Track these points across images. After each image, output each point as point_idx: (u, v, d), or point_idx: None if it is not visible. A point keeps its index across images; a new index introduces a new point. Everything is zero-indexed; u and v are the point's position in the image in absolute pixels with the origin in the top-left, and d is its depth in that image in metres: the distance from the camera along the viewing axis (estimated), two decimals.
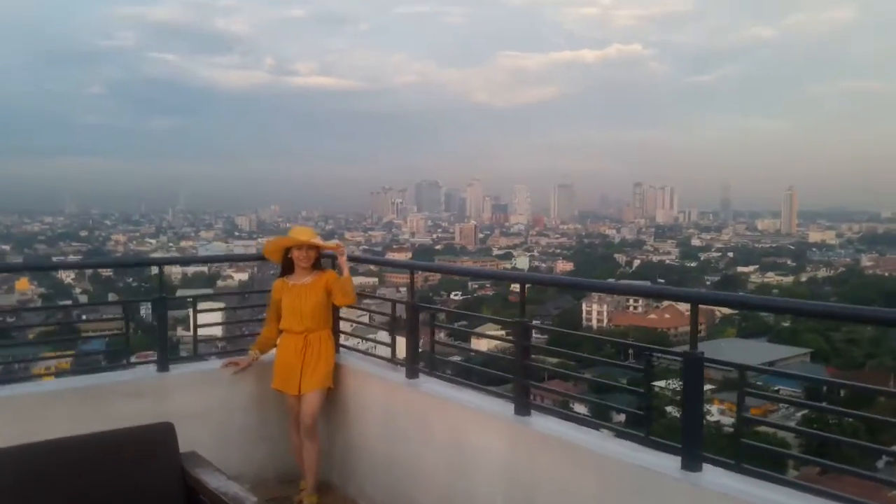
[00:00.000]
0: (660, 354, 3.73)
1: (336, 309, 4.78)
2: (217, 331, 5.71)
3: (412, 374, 4.48)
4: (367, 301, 5.95)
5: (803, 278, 65.83)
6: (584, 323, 55.59)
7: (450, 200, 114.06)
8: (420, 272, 5.38)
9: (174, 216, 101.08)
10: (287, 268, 4.58)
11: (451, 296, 59.32)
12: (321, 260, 4.63)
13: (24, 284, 56.88)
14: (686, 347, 2.95)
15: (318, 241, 4.53)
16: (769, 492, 2.74)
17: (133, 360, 4.70)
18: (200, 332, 5.02)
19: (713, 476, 2.92)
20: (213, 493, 2.85)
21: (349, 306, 4.76)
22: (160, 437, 3.09)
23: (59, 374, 5.01)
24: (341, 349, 5.08)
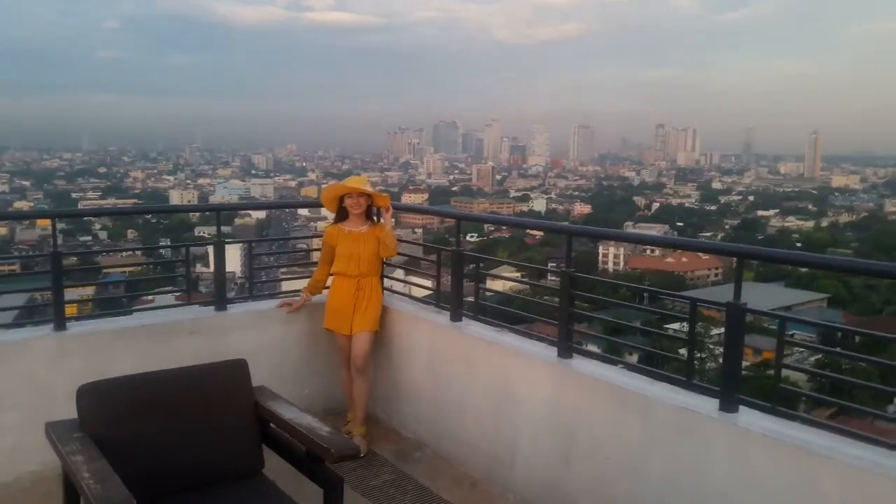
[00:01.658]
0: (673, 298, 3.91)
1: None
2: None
3: (456, 317, 4.71)
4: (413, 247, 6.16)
5: (824, 223, 65.36)
6: (601, 266, 55.76)
7: (467, 141, 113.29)
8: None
9: (191, 153, 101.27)
10: (340, 215, 4.80)
11: (468, 237, 59.47)
12: (372, 210, 4.84)
13: (43, 221, 57.45)
14: (730, 298, 3.14)
15: (368, 188, 4.73)
16: (800, 431, 2.97)
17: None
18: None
19: (749, 417, 3.14)
20: (287, 423, 3.11)
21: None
22: (236, 373, 3.34)
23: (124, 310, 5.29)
24: (386, 293, 5.31)
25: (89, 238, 57.90)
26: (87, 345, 4.35)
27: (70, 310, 4.46)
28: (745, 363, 3.35)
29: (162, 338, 4.56)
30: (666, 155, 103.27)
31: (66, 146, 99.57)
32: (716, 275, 53.58)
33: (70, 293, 4.49)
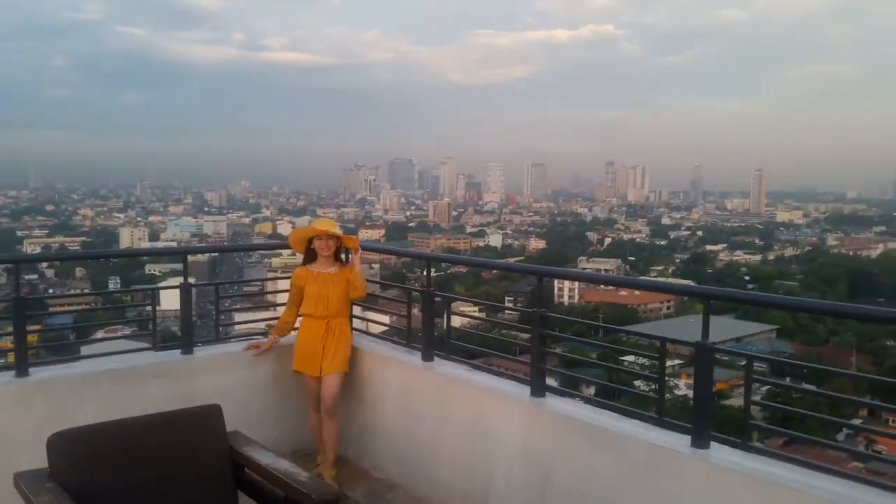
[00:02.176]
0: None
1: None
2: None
3: (428, 356, 4.74)
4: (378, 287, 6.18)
5: (771, 257, 67.32)
6: (556, 299, 56.27)
7: (423, 178, 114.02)
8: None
9: (142, 191, 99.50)
10: (309, 257, 4.81)
11: (423, 272, 59.34)
12: (340, 252, 4.86)
13: None
14: (698, 338, 3.24)
15: (338, 231, 4.76)
16: (771, 466, 3.06)
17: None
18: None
19: (720, 453, 3.23)
20: (265, 469, 3.08)
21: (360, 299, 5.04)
22: (209, 417, 3.31)
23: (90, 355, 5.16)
24: (356, 333, 5.31)
25: (35, 276, 56.10)
26: (50, 391, 4.24)
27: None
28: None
29: (128, 382, 4.47)
30: (616, 192, 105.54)
31: (10, 184, 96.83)
32: (668, 307, 54.58)
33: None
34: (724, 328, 45.64)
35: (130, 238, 71.33)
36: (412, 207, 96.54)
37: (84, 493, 2.80)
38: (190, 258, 5.10)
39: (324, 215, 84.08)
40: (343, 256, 4.94)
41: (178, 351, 4.84)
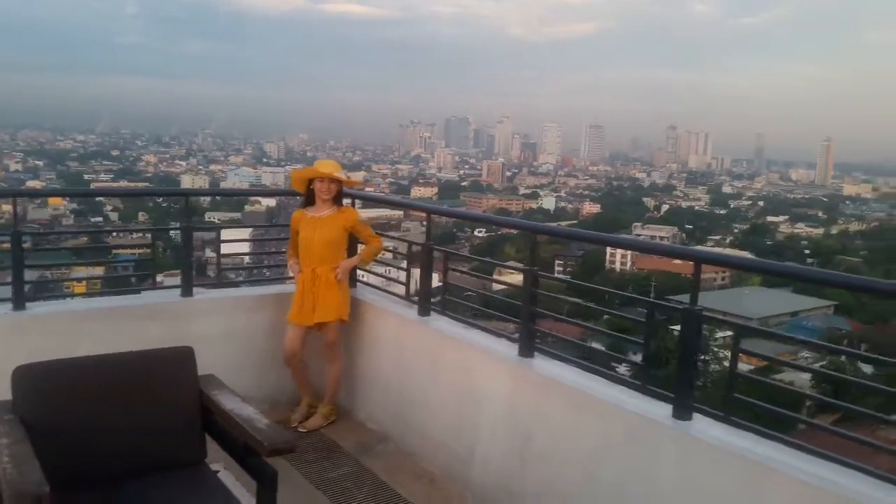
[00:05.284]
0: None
1: (354, 245, 4.91)
2: (243, 256, 5.90)
3: (424, 311, 4.63)
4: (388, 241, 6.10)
5: (834, 231, 64.80)
6: (608, 265, 55.46)
7: (479, 137, 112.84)
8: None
9: (204, 139, 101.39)
10: (309, 199, 4.68)
11: (475, 232, 59.21)
12: (341, 196, 4.73)
13: (56, 199, 57.74)
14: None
15: (339, 174, 4.61)
16: (753, 443, 2.87)
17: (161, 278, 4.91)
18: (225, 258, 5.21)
19: (702, 426, 3.05)
20: (227, 413, 3.03)
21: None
22: (181, 360, 3.27)
23: (91, 293, 5.23)
24: (359, 284, 5.24)
25: (100, 219, 58.00)
26: (46, 326, 4.30)
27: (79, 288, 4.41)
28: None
29: (123, 322, 4.50)
30: (677, 157, 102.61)
31: (80, 128, 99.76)
32: (723, 278, 53.20)
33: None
34: (780, 301, 44.43)
35: (191, 184, 72.68)
36: (466, 166, 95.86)
37: (44, 426, 2.80)
38: (248, 207, 5.06)
39: (378, 171, 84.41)
40: (350, 202, 4.82)
41: (178, 292, 4.84)
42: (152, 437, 3.09)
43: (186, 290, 4.83)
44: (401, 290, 4.95)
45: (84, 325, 4.38)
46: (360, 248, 4.89)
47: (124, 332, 4.38)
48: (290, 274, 4.74)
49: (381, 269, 5.37)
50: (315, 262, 4.59)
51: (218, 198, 57.16)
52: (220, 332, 4.71)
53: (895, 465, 2.72)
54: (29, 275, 4.33)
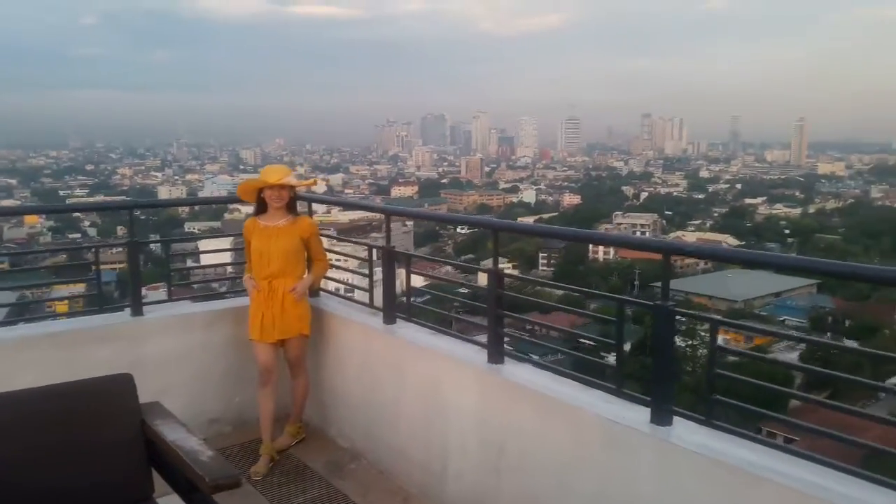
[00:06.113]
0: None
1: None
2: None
3: (389, 319, 4.39)
4: (346, 243, 5.84)
5: (811, 210, 65.25)
6: (591, 255, 55.44)
7: (455, 133, 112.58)
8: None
9: (178, 149, 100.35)
10: (261, 208, 4.37)
11: (458, 229, 58.94)
12: (294, 202, 4.45)
13: (33, 218, 56.94)
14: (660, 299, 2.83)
15: (289, 180, 4.31)
16: (738, 448, 2.67)
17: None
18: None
19: (682, 431, 2.84)
20: (169, 445, 2.79)
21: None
22: (119, 388, 3.01)
23: (30, 318, 4.93)
24: (322, 293, 5.00)
25: (79, 235, 57.26)
26: None
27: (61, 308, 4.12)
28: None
29: (70, 347, 4.22)
30: (653, 144, 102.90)
31: (51, 144, 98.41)
32: (705, 262, 53.31)
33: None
34: (763, 281, 44.60)
35: (169, 195, 71.96)
36: (444, 164, 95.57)
37: None
38: (227, 216, 4.78)
39: (356, 173, 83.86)
40: (309, 208, 4.57)
41: (128, 312, 4.57)
42: (95, 475, 2.84)
43: (136, 310, 4.56)
44: (365, 297, 4.70)
45: (24, 353, 4.09)
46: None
47: (72, 359, 4.11)
48: (245, 287, 4.45)
49: (344, 276, 5.09)
50: (272, 274, 4.31)
51: (196, 208, 56.42)
52: (176, 353, 4.46)
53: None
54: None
